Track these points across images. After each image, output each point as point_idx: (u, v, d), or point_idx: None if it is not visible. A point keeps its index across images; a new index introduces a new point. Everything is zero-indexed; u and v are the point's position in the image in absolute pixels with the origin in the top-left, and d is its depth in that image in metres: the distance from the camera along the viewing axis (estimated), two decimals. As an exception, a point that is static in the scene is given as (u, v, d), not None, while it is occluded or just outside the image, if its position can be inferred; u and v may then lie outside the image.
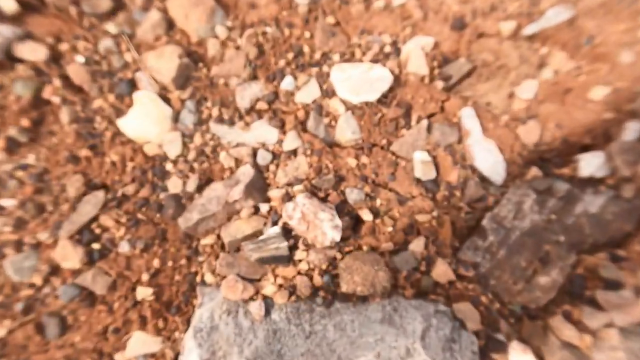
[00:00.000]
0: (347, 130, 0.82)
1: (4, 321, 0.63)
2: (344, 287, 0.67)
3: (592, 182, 0.73)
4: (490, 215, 0.72)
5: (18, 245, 0.67)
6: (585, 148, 0.77)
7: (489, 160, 0.77)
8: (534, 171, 0.74)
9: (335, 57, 0.87)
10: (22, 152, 0.73)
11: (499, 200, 0.73)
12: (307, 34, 0.88)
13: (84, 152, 0.73)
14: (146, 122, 0.77)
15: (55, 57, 0.76)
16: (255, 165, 0.78)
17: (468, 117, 0.81)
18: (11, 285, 0.66)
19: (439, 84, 0.86)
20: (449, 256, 0.71)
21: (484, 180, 0.76)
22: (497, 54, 0.90)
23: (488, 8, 0.93)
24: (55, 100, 0.74)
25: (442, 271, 0.69)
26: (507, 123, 0.79)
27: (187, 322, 0.66)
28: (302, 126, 0.83)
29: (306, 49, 0.87)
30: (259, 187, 0.76)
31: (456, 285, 0.69)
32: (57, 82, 0.74)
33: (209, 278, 0.70)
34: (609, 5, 0.92)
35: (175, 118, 0.79)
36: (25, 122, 0.71)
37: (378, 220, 0.74)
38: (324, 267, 0.69)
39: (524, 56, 0.90)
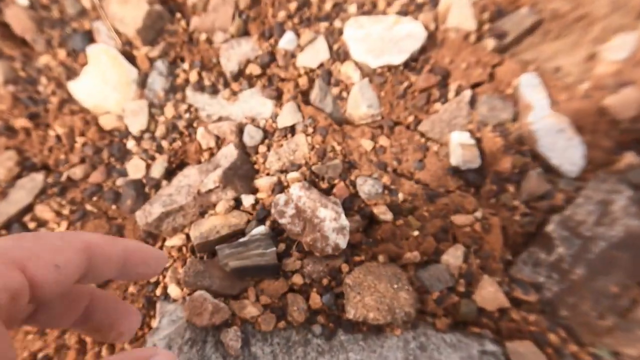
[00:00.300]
0: (362, 104, 0.62)
1: None
2: (351, 312, 0.49)
3: None
4: (560, 219, 0.52)
5: None
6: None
7: (559, 143, 0.56)
8: (629, 157, 0.52)
9: (351, 7, 0.68)
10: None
11: (573, 199, 0.53)
12: (314, -20, 0.69)
13: (21, 122, 0.57)
14: (104, 86, 0.60)
15: (-11, 0, 0.60)
16: (240, 145, 0.60)
17: (529, 87, 0.60)
18: None
19: (490, 44, 0.65)
20: (499, 273, 0.52)
21: (550, 170, 0.56)
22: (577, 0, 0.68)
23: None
24: (-14, 55, 0.58)
25: (489, 294, 0.50)
26: (587, 93, 0.58)
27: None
28: (303, 97, 0.64)
29: (313, -2, 0.68)
30: (243, 173, 0.58)
31: (511, 314, 0.49)
32: (-11, 32, 0.58)
33: (173, 291, 0.53)
34: None
35: (142, 82, 0.62)
36: (-57, 82, 0.55)
37: (400, 222, 0.55)
38: (324, 282, 0.51)
39: (617, 0, 0.67)
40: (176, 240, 0.56)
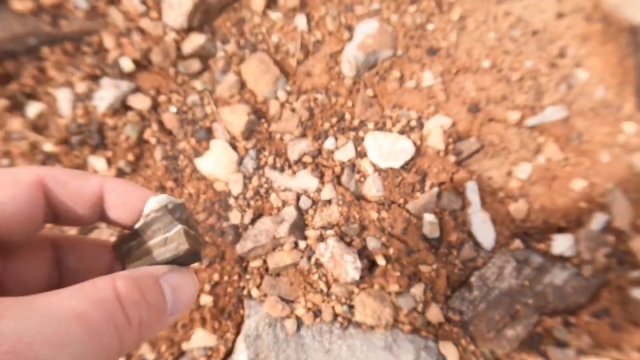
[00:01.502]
0: (373, 188, 1.02)
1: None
2: (358, 317, 0.87)
3: (561, 259, 0.92)
4: (478, 274, 0.92)
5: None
6: (560, 230, 0.97)
7: (483, 228, 0.96)
8: (517, 243, 0.93)
9: (370, 125, 1.07)
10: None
11: (486, 263, 0.93)
12: (349, 103, 1.09)
13: (169, 184, 0.93)
14: (217, 164, 0.97)
15: (155, 107, 0.96)
16: (298, 207, 0.98)
17: (472, 190, 1.01)
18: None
19: (452, 158, 1.05)
20: (441, 302, 0.91)
21: (477, 244, 0.96)
22: (503, 137, 1.10)
23: (500, 97, 1.13)
24: (152, 140, 0.94)
25: (434, 314, 0.89)
26: (501, 199, 0.99)
27: (236, 327, 0.87)
28: (337, 180, 1.03)
29: (347, 115, 1.07)
30: (299, 226, 0.96)
31: (444, 327, 0.89)
32: (154, 126, 0.94)
33: (254, 293, 0.90)
34: (597, 110, 1.11)
35: (240, 163, 0.99)
36: (130, 157, 0.91)
37: (389, 266, 0.94)
38: (343, 299, 0.89)
39: (524, 142, 1.09)
40: (257, 263, 0.93)
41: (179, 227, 0.30)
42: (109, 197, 0.27)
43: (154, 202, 0.30)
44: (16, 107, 0.90)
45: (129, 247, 0.31)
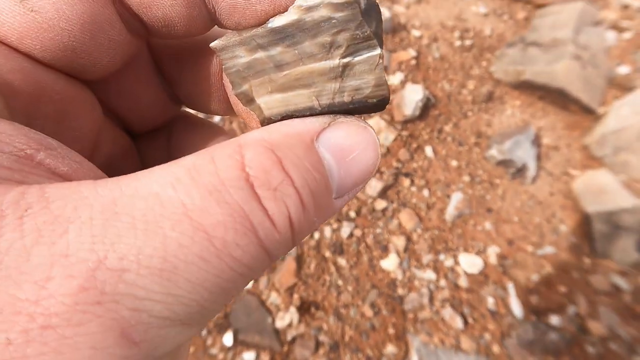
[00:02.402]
0: (464, 281, 2.08)
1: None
2: (463, 344, 1.90)
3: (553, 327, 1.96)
4: (516, 328, 1.96)
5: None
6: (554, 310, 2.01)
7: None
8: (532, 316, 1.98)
9: (461, 248, 2.17)
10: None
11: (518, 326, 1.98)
12: (449, 236, 2.19)
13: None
14: (391, 264, 2.05)
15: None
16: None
17: (511, 287, 2.08)
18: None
19: (500, 269, 2.13)
20: (499, 340, 1.94)
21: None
22: (525, 260, 2.18)
23: (522, 236, 2.24)
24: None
25: (496, 345, 1.91)
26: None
27: (405, 346, 1.88)
28: (452, 270, 2.10)
29: (450, 243, 2.18)
30: (431, 298, 2.02)
31: (501, 352, 1.91)
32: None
33: (411, 330, 1.93)
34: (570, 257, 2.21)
35: (401, 264, 2.07)
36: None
37: (473, 321, 1.99)
38: (455, 335, 1.92)
39: (536, 263, 2.18)
40: (412, 315, 1.97)
41: (378, 50, 0.18)
42: None
43: None
44: (310, 235, 2.02)
45: (252, 62, 0.18)
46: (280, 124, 0.17)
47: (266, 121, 0.20)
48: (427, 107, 2.43)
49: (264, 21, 0.18)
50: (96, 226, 0.13)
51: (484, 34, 2.73)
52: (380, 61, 0.18)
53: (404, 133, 2.32)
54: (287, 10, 0.17)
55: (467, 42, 2.68)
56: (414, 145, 2.33)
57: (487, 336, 1.88)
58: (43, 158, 0.15)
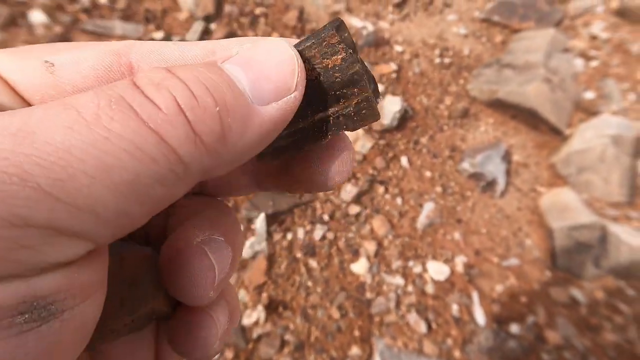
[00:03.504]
0: (430, 289, 2.14)
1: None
2: (426, 349, 1.94)
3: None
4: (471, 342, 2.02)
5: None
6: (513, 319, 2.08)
7: (479, 312, 2.08)
8: (492, 323, 2.04)
9: (429, 256, 2.24)
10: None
11: (479, 333, 2.04)
12: (419, 243, 2.26)
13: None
14: (361, 268, 2.09)
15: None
16: (397, 302, 2.09)
17: (475, 296, 2.14)
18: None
19: (466, 277, 2.20)
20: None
21: (475, 321, 2.07)
22: (490, 271, 2.26)
23: (489, 248, 2.32)
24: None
25: (458, 352, 1.97)
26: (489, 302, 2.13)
27: (369, 348, 1.91)
28: (413, 282, 2.15)
29: (419, 250, 2.24)
30: (398, 303, 2.06)
31: (463, 358, 1.96)
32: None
33: (376, 333, 1.96)
34: (529, 268, 2.30)
35: (370, 268, 2.12)
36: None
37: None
38: (419, 340, 1.96)
39: (499, 273, 2.25)
40: (378, 319, 2.01)
41: (359, 64, 0.20)
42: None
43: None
44: (284, 235, 2.05)
45: None
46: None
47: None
48: (405, 118, 2.52)
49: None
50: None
51: (463, 53, 2.86)
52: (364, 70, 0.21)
53: (381, 142, 2.40)
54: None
55: (447, 60, 2.80)
56: (390, 154, 2.41)
57: (450, 341, 1.92)
58: None
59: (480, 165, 2.32)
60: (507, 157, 2.45)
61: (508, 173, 2.46)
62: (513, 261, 2.26)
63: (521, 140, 2.57)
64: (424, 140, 2.54)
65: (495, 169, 2.33)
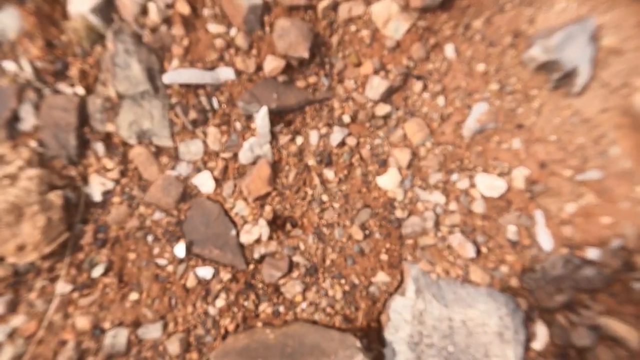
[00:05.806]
0: (479, 207, 1.69)
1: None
2: (472, 277, 1.55)
3: (592, 262, 1.57)
4: (539, 266, 1.58)
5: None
6: (592, 245, 1.62)
7: (545, 238, 1.63)
8: (564, 250, 1.59)
9: (479, 168, 1.75)
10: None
11: (547, 259, 1.59)
12: (467, 153, 1.77)
13: (363, 189, 1.64)
14: (390, 181, 1.67)
15: (357, 144, 1.69)
16: (435, 213, 1.67)
17: (539, 215, 1.67)
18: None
19: (527, 194, 1.72)
20: (519, 276, 1.58)
21: (539, 248, 1.62)
22: (559, 185, 1.75)
23: (559, 160, 1.79)
24: (355, 163, 1.66)
25: (515, 282, 1.56)
26: (557, 223, 1.65)
27: (401, 273, 1.55)
28: (457, 199, 1.71)
29: (466, 161, 1.76)
30: (437, 222, 1.65)
31: (520, 289, 1.55)
32: (357, 155, 1.67)
33: (409, 257, 1.59)
34: (623, 174, 1.76)
35: (402, 182, 1.69)
36: (344, 172, 1.64)
37: (488, 252, 1.62)
38: (464, 267, 1.57)
39: (573, 190, 1.75)
40: (410, 241, 1.62)
41: None
42: None
43: None
44: (292, 138, 1.64)
45: None
46: None
47: None
48: (452, -6, 1.90)
49: None
50: None
51: None
52: None
53: (421, 24, 1.83)
54: None
55: None
56: (432, 41, 1.85)
57: (504, 268, 1.52)
58: None
59: (556, 50, 1.72)
60: (595, 38, 1.81)
61: (594, 62, 1.84)
62: (592, 174, 1.73)
63: (617, 16, 1.88)
64: (477, 23, 1.93)
65: (577, 53, 1.72)
